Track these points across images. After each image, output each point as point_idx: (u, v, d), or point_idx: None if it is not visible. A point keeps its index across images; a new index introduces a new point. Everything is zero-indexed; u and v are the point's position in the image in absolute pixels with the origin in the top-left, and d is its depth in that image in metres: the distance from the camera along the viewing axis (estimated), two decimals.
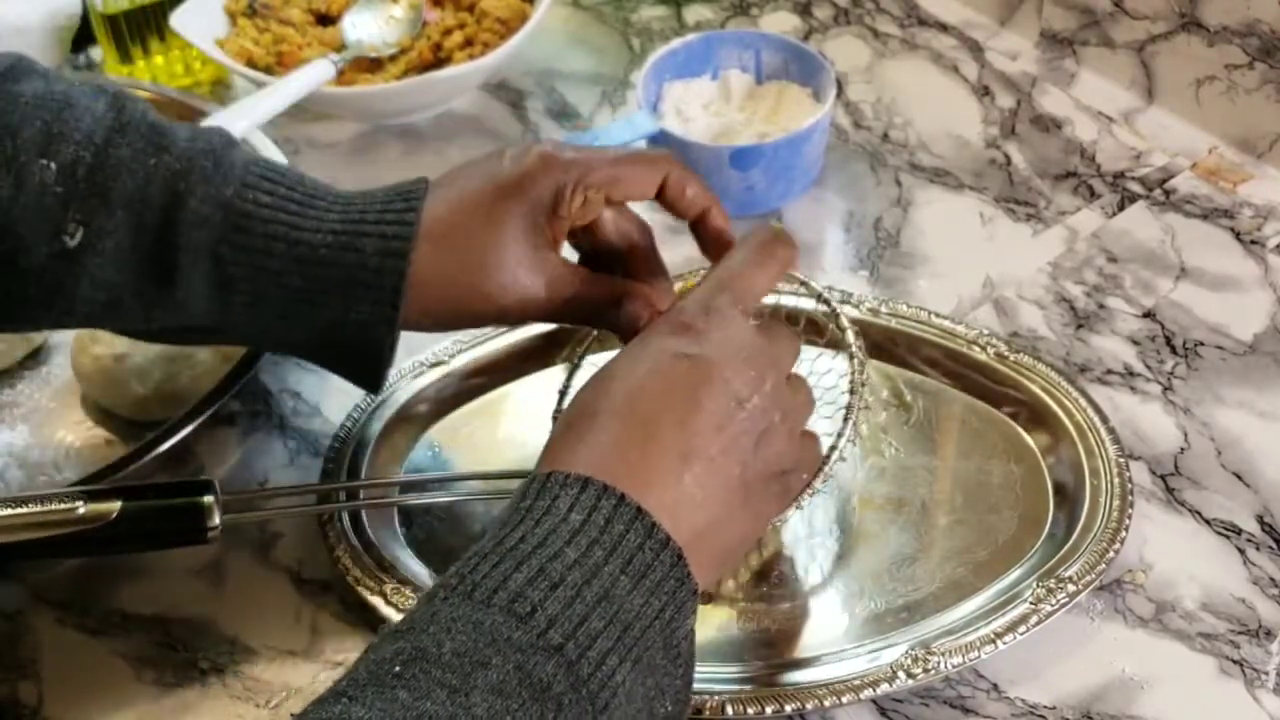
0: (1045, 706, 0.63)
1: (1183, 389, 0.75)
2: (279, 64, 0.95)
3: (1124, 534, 0.66)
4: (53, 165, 0.57)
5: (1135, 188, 0.87)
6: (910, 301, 0.79)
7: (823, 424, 0.63)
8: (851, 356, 0.65)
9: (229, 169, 0.59)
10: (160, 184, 0.58)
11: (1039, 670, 0.64)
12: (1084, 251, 0.84)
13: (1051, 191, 0.88)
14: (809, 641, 0.65)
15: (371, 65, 0.95)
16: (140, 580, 0.70)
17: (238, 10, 0.98)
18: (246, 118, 0.86)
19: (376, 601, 0.66)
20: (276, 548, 0.71)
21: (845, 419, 0.63)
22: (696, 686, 0.61)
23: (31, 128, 0.57)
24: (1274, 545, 0.68)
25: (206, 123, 0.82)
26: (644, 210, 0.67)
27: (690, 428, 0.55)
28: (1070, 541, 0.66)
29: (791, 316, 0.73)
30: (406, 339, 0.78)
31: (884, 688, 0.62)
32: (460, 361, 0.77)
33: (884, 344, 0.76)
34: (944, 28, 1.01)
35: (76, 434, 0.77)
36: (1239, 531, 0.69)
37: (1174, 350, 0.77)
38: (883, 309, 0.78)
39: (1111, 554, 0.65)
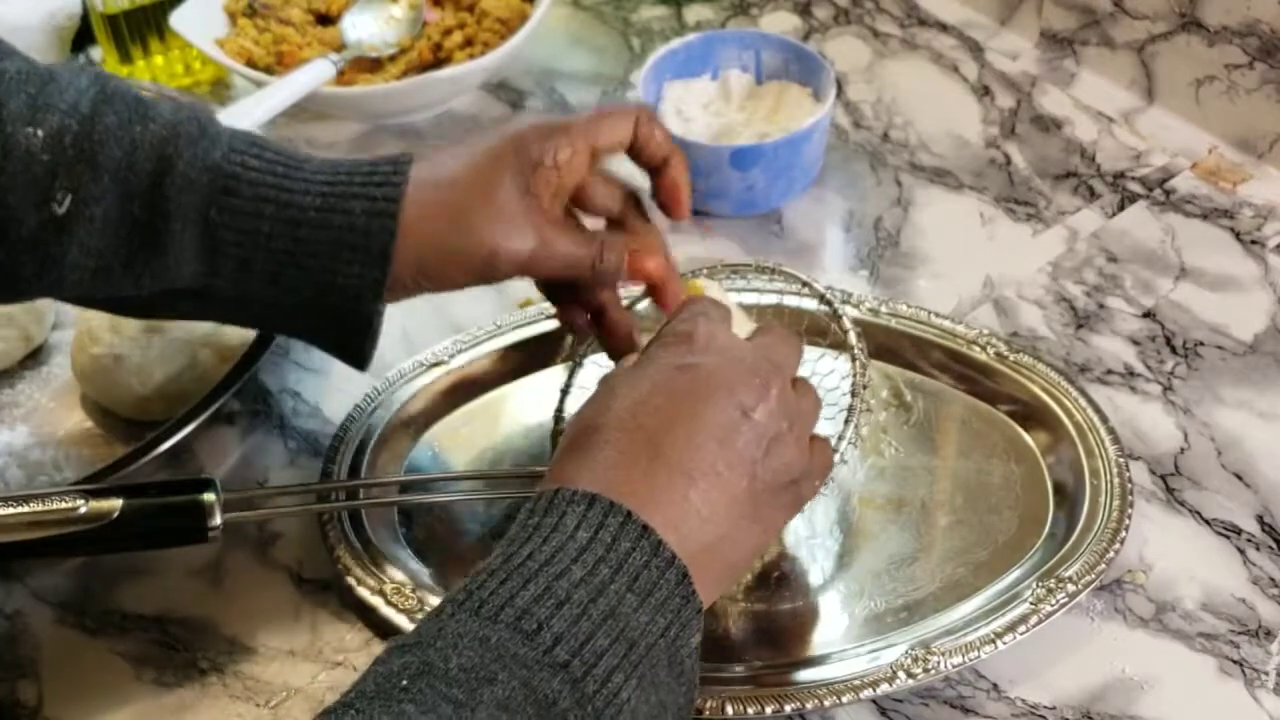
0: (1045, 706, 0.63)
1: (1183, 389, 0.75)
2: (279, 64, 0.95)
3: (1124, 534, 0.66)
4: (39, 133, 0.57)
5: (1135, 188, 0.87)
6: (910, 301, 0.79)
7: (824, 425, 0.63)
8: (854, 358, 0.65)
9: (215, 135, 0.59)
10: (147, 149, 0.58)
11: (1039, 670, 0.64)
12: (1084, 251, 0.84)
13: (1051, 191, 0.88)
14: (809, 641, 0.65)
15: (371, 65, 0.95)
16: (140, 580, 0.70)
17: (238, 10, 0.98)
18: (246, 118, 0.86)
19: (376, 601, 0.66)
20: (276, 547, 0.71)
21: (847, 421, 0.63)
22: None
23: (17, 100, 0.57)
24: (1274, 545, 0.68)
25: None
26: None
27: (694, 442, 0.55)
28: (1070, 541, 0.66)
29: (794, 318, 0.73)
30: (407, 339, 0.79)
31: (884, 688, 0.62)
32: (460, 361, 0.77)
33: (884, 344, 0.76)
34: (944, 28, 1.01)
35: (76, 434, 0.77)
36: (1239, 531, 0.69)
37: (1174, 350, 0.77)
38: (883, 309, 0.78)
39: (1111, 554, 0.65)
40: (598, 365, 0.73)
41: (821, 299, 0.69)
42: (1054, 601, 0.64)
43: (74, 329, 0.78)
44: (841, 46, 1.00)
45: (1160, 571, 0.67)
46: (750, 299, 0.76)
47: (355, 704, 0.46)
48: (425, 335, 0.79)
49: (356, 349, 0.62)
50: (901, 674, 0.62)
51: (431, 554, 0.70)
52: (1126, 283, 0.81)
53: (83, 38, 1.03)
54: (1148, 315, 0.79)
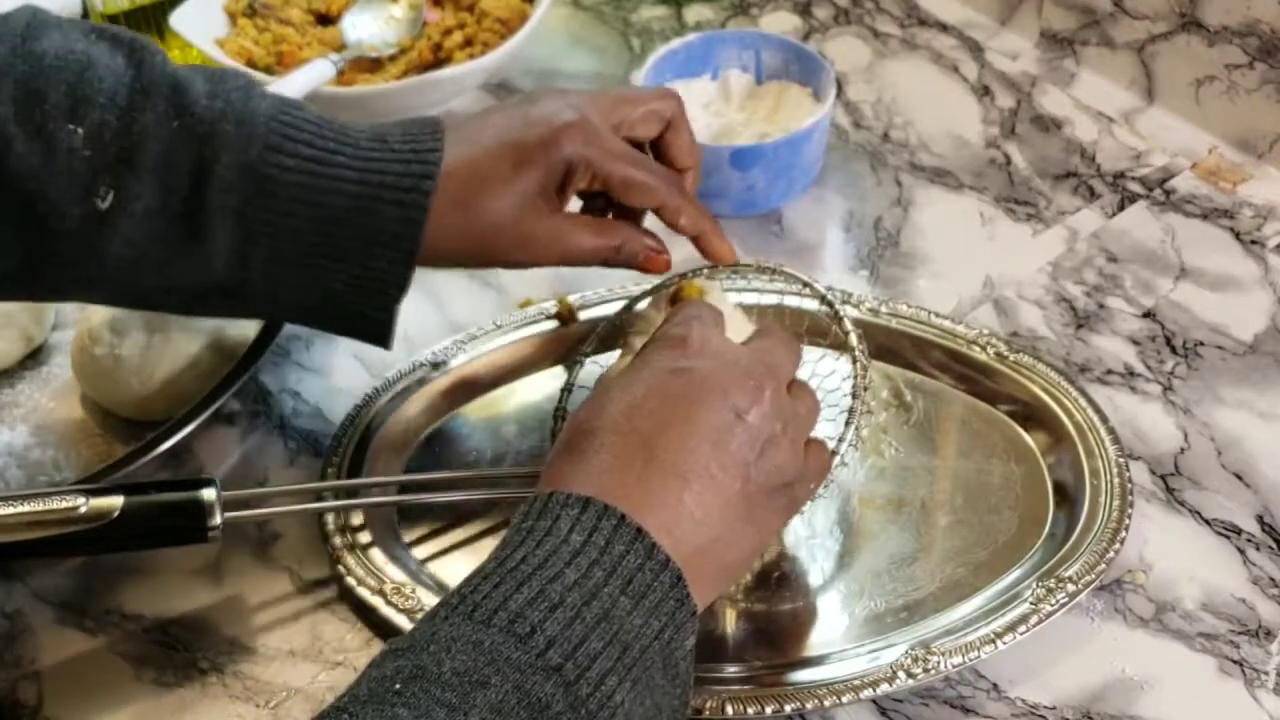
0: (1045, 706, 0.63)
1: (1183, 389, 0.75)
2: (279, 64, 0.95)
3: (1124, 534, 0.66)
4: (80, 130, 0.58)
5: (1135, 188, 0.87)
6: (910, 301, 0.79)
7: (825, 427, 0.63)
8: (854, 360, 0.65)
9: (251, 128, 0.60)
10: (184, 148, 0.59)
11: (1039, 670, 0.64)
12: (1084, 251, 0.84)
13: (1051, 191, 0.88)
14: (809, 641, 0.65)
15: (371, 65, 0.95)
16: (140, 580, 0.70)
17: (237, 10, 0.98)
18: None
19: (376, 601, 0.66)
20: (276, 547, 0.71)
21: (847, 423, 0.63)
22: (697, 686, 0.61)
23: (56, 91, 0.57)
24: (1274, 545, 0.68)
25: None
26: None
27: (688, 445, 0.55)
28: (1070, 541, 0.66)
29: (795, 319, 0.73)
30: (407, 339, 0.79)
31: (884, 688, 0.62)
32: (460, 361, 0.77)
33: (884, 344, 0.76)
34: (944, 28, 1.01)
35: (76, 434, 0.77)
36: (1239, 531, 0.69)
37: (1174, 350, 0.77)
38: (883, 309, 0.78)
39: (1111, 554, 0.65)
40: (598, 365, 0.73)
41: (822, 300, 0.69)
42: (1054, 601, 0.64)
43: (74, 329, 0.78)
44: (841, 46, 1.00)
45: (1160, 571, 0.67)
46: (750, 299, 0.76)
47: (349, 708, 0.46)
48: (425, 335, 0.79)
49: (380, 332, 0.65)
50: (901, 674, 0.62)
51: (431, 553, 0.70)
52: (1126, 283, 0.81)
53: None
54: (1148, 315, 0.79)
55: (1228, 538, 0.69)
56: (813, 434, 0.62)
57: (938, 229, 0.86)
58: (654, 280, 0.72)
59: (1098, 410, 0.72)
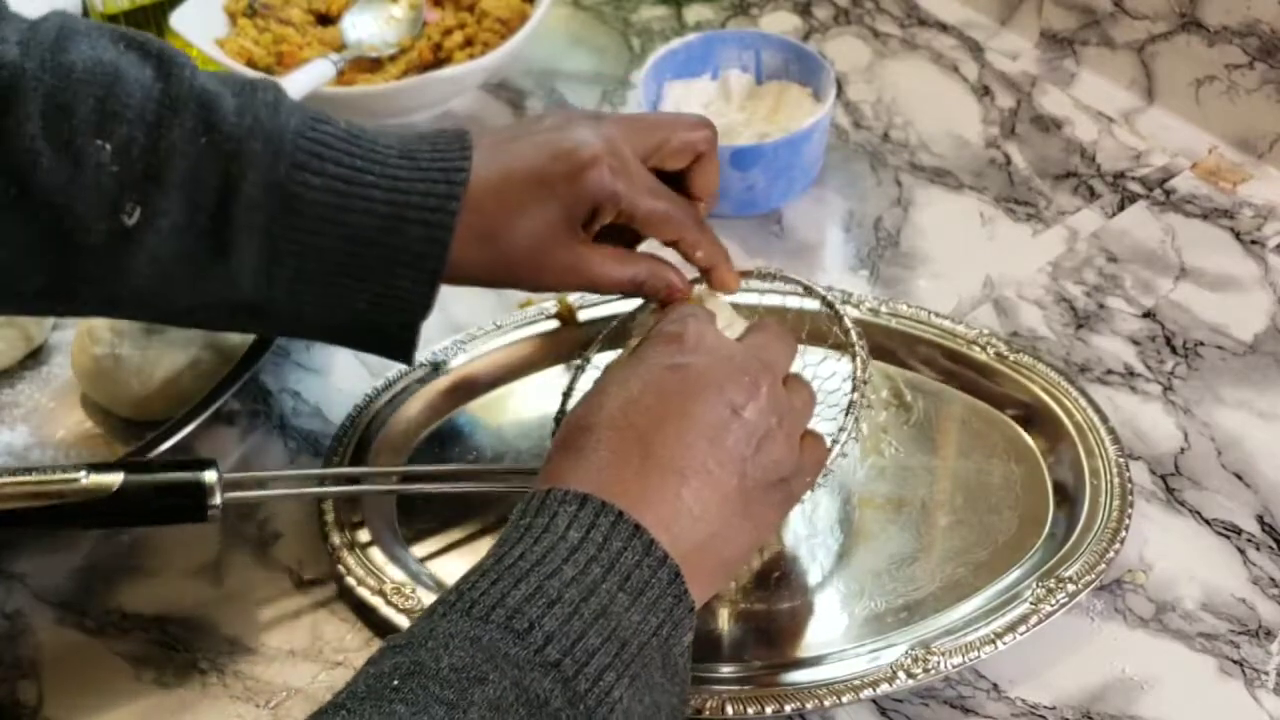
0: (1045, 706, 0.63)
1: (1183, 389, 0.75)
2: (279, 64, 0.95)
3: (1124, 534, 0.66)
4: (108, 146, 0.57)
5: (1135, 188, 0.87)
6: (910, 301, 0.79)
7: (824, 425, 0.63)
8: (854, 355, 0.65)
9: (279, 145, 0.59)
10: (212, 165, 0.58)
11: (1039, 670, 0.64)
12: (1084, 251, 0.84)
13: (1051, 191, 0.88)
14: (809, 641, 0.65)
15: (371, 65, 0.95)
16: (140, 580, 0.70)
17: (238, 10, 0.98)
18: None
19: (376, 601, 0.66)
20: (276, 547, 0.71)
21: (847, 413, 0.63)
22: (697, 685, 0.61)
23: (85, 105, 0.57)
24: (1274, 545, 0.68)
25: None
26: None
27: (685, 441, 0.55)
28: (1070, 541, 0.66)
29: (795, 322, 0.73)
30: None
31: (884, 688, 0.61)
32: (460, 361, 0.77)
33: (884, 344, 0.76)
34: (944, 28, 1.01)
35: (76, 434, 0.77)
36: (1239, 531, 0.69)
37: (1174, 350, 0.77)
38: (883, 309, 0.78)
39: (1111, 554, 0.65)
40: (598, 370, 0.72)
41: (820, 299, 0.69)
42: (1054, 601, 0.64)
43: (74, 329, 0.78)
44: (841, 46, 1.00)
45: (1160, 571, 0.67)
46: (751, 301, 0.76)
47: (347, 704, 0.46)
48: (425, 335, 0.78)
49: (403, 350, 0.64)
50: (901, 674, 0.62)
51: (431, 553, 0.70)
52: (1126, 283, 0.81)
53: None
54: (1148, 315, 0.79)
55: (1228, 538, 0.69)
56: (812, 429, 0.62)
57: (938, 229, 0.86)
58: None
59: (1098, 410, 0.72)
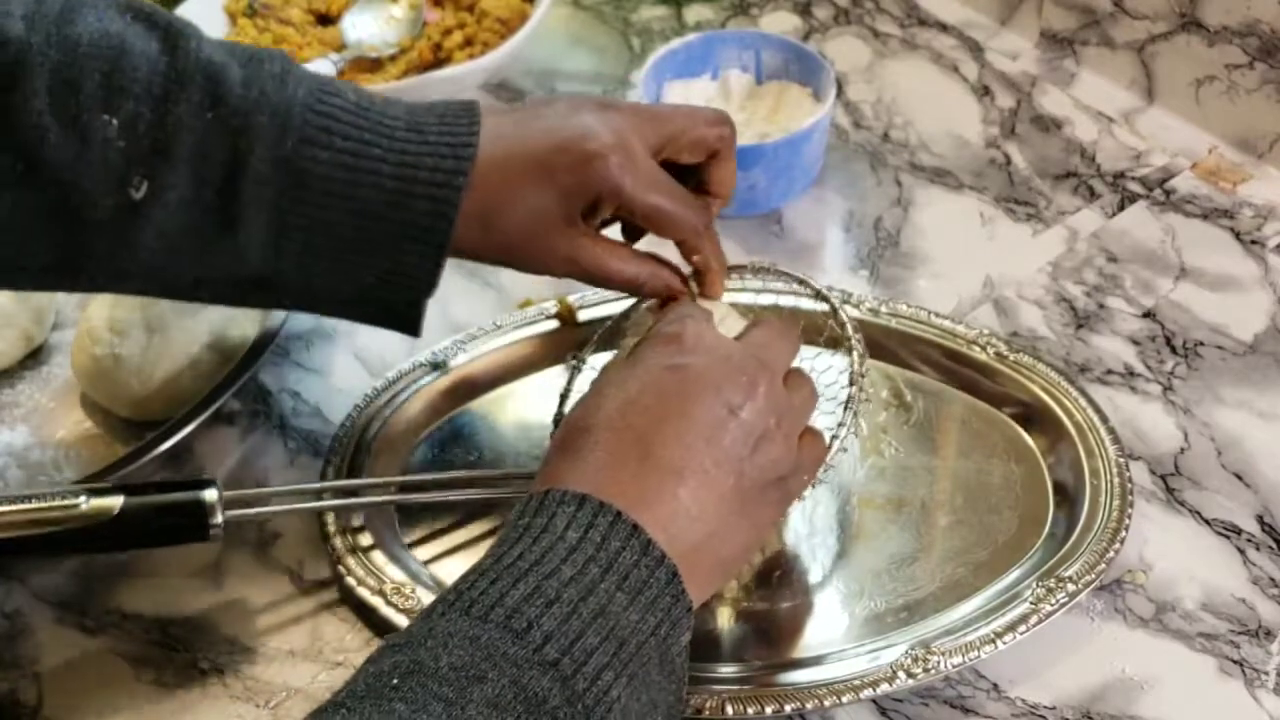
0: (1045, 706, 0.63)
1: (1183, 389, 0.75)
2: None
3: (1124, 534, 0.66)
4: (114, 121, 0.57)
5: (1135, 188, 0.87)
6: (910, 301, 0.79)
7: (823, 419, 0.63)
8: (851, 349, 0.65)
9: (286, 119, 0.59)
10: (219, 139, 0.58)
11: (1039, 670, 0.64)
12: (1084, 251, 0.84)
13: (1051, 191, 0.88)
14: (809, 641, 0.65)
15: (371, 65, 0.95)
16: (140, 580, 0.70)
17: (238, 10, 0.98)
18: None
19: (376, 601, 0.66)
20: (276, 548, 0.71)
21: (846, 408, 0.63)
22: (697, 685, 0.61)
23: (91, 81, 0.57)
24: (1274, 545, 0.68)
25: None
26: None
27: (683, 441, 0.55)
28: (1070, 541, 0.66)
29: (790, 317, 0.73)
30: (407, 339, 0.79)
31: (884, 688, 0.62)
32: (460, 361, 0.77)
33: (884, 344, 0.76)
34: (944, 28, 1.01)
35: (76, 434, 0.77)
36: (1239, 531, 0.69)
37: (1174, 350, 0.77)
38: (883, 309, 0.78)
39: (1111, 554, 0.65)
40: (595, 371, 0.72)
41: (818, 295, 0.69)
42: (1054, 601, 0.64)
43: (74, 329, 0.78)
44: (841, 46, 1.00)
45: (1160, 571, 0.67)
46: (746, 299, 0.76)
47: (346, 703, 0.46)
48: (425, 335, 0.78)
49: (410, 323, 0.64)
50: (901, 674, 0.62)
51: (431, 554, 0.70)
52: (1126, 283, 0.81)
53: None
54: (1148, 315, 0.79)
55: (1228, 538, 0.69)
56: (811, 427, 0.62)
57: (938, 229, 0.86)
58: None
59: (1098, 410, 0.72)
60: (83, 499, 0.62)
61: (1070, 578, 0.64)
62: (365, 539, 0.69)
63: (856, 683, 0.62)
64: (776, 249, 0.85)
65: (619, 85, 0.99)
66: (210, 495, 0.63)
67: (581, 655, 0.48)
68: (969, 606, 0.65)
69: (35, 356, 0.81)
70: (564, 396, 0.71)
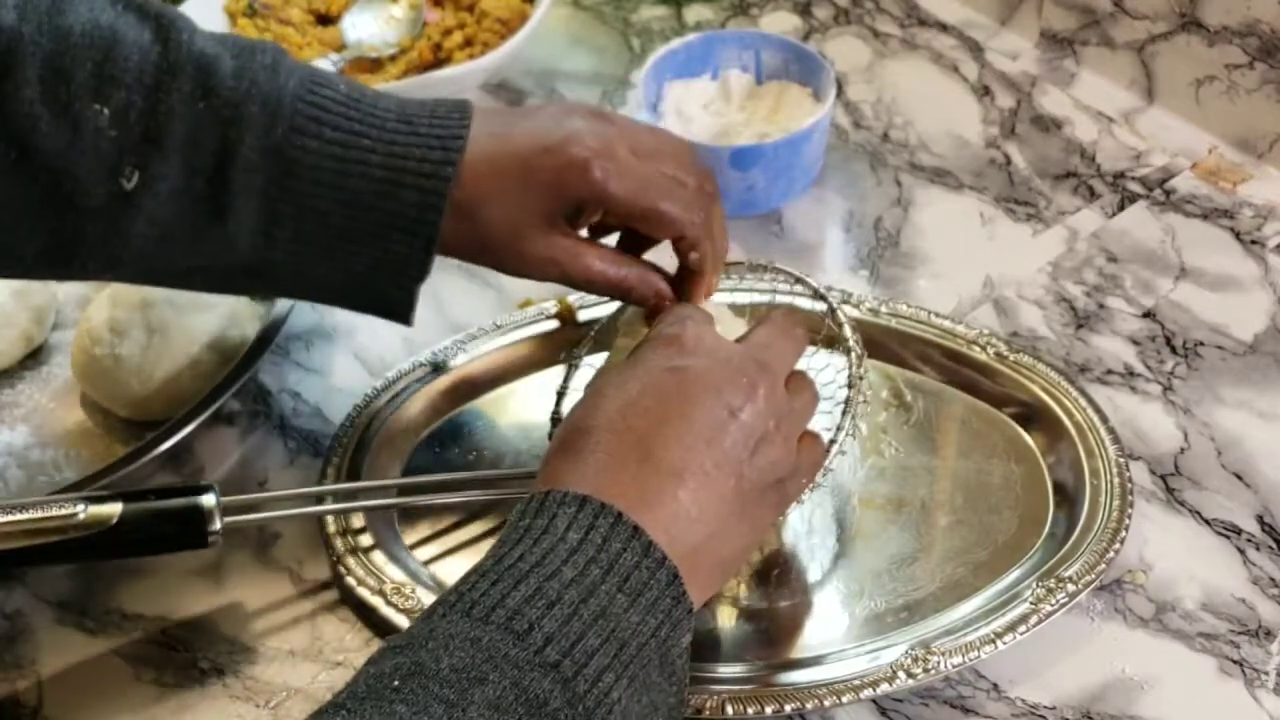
0: (1045, 706, 0.63)
1: (1183, 389, 0.75)
2: None
3: (1124, 534, 0.66)
4: (106, 111, 0.57)
5: (1135, 188, 0.87)
6: (910, 301, 0.79)
7: (822, 419, 0.63)
8: (848, 351, 0.65)
9: (277, 108, 0.59)
10: (210, 129, 0.59)
11: (1039, 670, 0.64)
12: (1084, 251, 0.84)
13: (1051, 191, 0.88)
14: (809, 641, 0.65)
15: (371, 65, 0.95)
16: (140, 580, 0.70)
17: (238, 10, 0.98)
18: None
19: (376, 601, 0.66)
20: (276, 548, 0.71)
21: (844, 412, 0.63)
22: (697, 685, 0.61)
23: (83, 70, 0.57)
24: (1274, 545, 0.68)
25: None
26: None
27: (684, 443, 0.55)
28: (1070, 541, 0.66)
29: (794, 316, 0.73)
30: (407, 339, 0.79)
31: (884, 688, 0.62)
32: (460, 361, 0.77)
33: (884, 344, 0.76)
34: (944, 28, 1.01)
35: (76, 434, 0.77)
36: (1239, 531, 0.69)
37: (1174, 350, 0.77)
38: (883, 309, 0.78)
39: (1111, 554, 0.65)
40: (593, 368, 0.72)
41: (815, 294, 0.69)
42: (1054, 601, 0.64)
43: (74, 329, 0.78)
44: (841, 46, 1.00)
45: (1160, 571, 0.67)
46: (743, 299, 0.76)
47: (347, 704, 0.46)
48: (425, 335, 0.79)
49: (402, 312, 0.64)
50: (901, 674, 0.62)
51: (431, 554, 0.70)
52: (1126, 283, 0.81)
53: None
54: (1148, 315, 0.79)
55: (1228, 538, 0.69)
56: (810, 429, 0.62)
57: (938, 229, 0.86)
58: None
59: (1098, 410, 0.72)
60: (81, 507, 0.62)
61: (1070, 578, 0.64)
62: (365, 539, 0.69)
63: (856, 683, 0.62)
64: (776, 249, 0.85)
65: (619, 85, 0.99)
66: (209, 500, 0.63)
67: (582, 657, 0.48)
68: (969, 606, 0.65)
69: (35, 356, 0.81)
70: (561, 394, 0.71)
